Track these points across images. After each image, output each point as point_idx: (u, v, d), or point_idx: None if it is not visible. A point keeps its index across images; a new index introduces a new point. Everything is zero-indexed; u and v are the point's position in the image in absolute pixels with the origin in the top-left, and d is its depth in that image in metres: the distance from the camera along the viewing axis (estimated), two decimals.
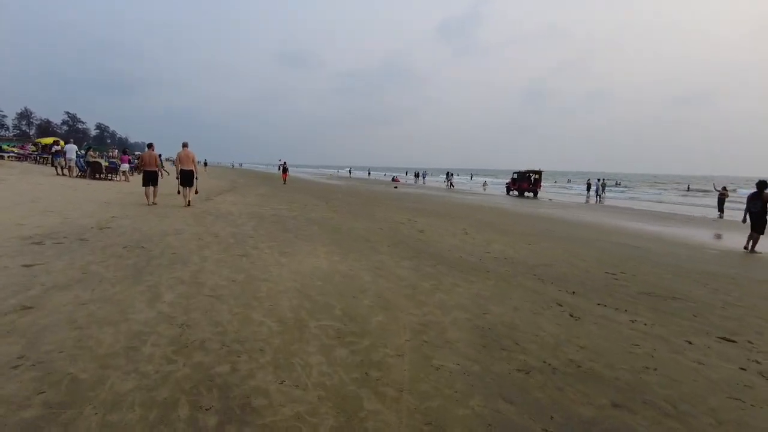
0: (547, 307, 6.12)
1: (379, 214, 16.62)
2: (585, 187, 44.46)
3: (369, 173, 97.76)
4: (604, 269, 8.90)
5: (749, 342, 5.28)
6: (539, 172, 42.10)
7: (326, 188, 35.83)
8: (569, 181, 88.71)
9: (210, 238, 9.63)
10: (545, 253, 10.36)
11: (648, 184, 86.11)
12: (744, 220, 13.93)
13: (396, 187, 45.13)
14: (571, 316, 5.83)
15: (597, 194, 35.71)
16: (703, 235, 16.51)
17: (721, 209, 26.79)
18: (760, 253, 12.68)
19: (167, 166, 49.25)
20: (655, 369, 4.43)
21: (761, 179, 13.23)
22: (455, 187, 53.65)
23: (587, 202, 37.09)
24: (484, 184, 61.22)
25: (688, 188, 65.68)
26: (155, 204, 15.26)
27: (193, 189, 15.58)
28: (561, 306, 6.23)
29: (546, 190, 58.52)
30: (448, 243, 10.90)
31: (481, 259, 9.12)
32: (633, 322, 5.73)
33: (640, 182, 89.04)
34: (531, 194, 40.93)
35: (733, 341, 5.28)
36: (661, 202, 43.12)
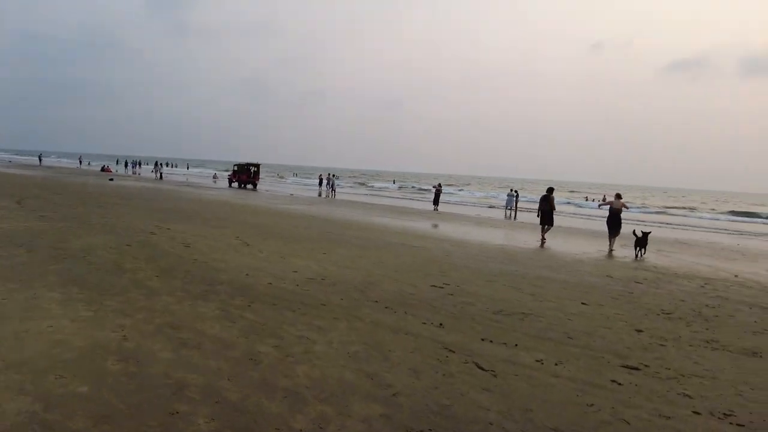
0: (444, 359, 4.64)
1: (114, 220, 12.36)
2: (317, 181, 45.54)
3: (81, 161, 77.67)
4: (427, 282, 8.03)
5: (646, 365, 4.94)
6: (257, 165, 42.80)
7: (6, 180, 26.42)
8: (295, 174, 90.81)
9: None
10: (355, 266, 8.96)
11: (360, 179, 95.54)
12: (538, 215, 16.51)
13: (111, 179, 37.15)
14: (481, 368, 4.49)
15: (332, 188, 36.87)
16: (455, 231, 18.02)
17: (436, 203, 30.74)
18: (549, 248, 14.27)
19: None
20: None
21: (550, 186, 16.52)
22: (165, 178, 47.59)
23: (320, 195, 38.01)
24: (214, 176, 57.34)
25: (394, 182, 75.53)
26: None
27: None
28: (453, 352, 4.84)
29: (272, 183, 58.40)
30: (237, 262, 8.36)
31: (299, 285, 7.06)
32: (541, 363, 4.77)
33: (349, 176, 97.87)
34: (251, 186, 41.19)
35: (636, 368, 4.85)
36: (378, 195, 47.80)
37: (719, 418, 3.92)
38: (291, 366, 4.14)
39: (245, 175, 41.91)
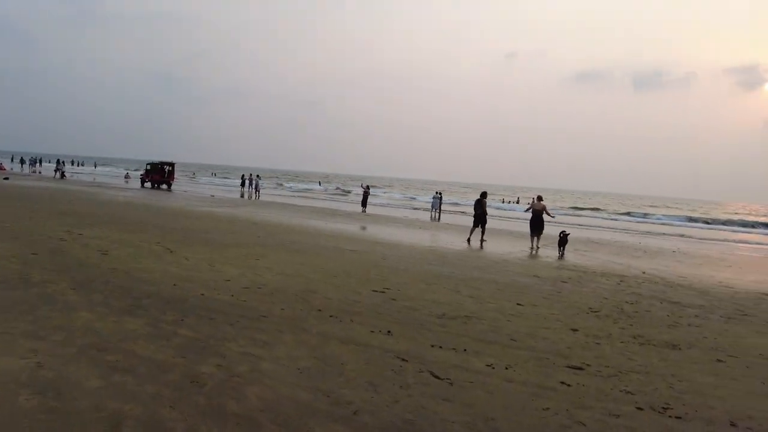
0: (398, 370, 4.52)
1: (13, 225, 11.01)
2: (240, 182, 43.71)
3: None
4: (368, 287, 7.89)
5: (588, 364, 5.14)
6: (172, 164, 41.35)
7: None
8: (213, 174, 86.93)
9: None
10: (292, 272, 8.62)
11: (282, 179, 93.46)
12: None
13: (7, 179, 33.30)
14: (437, 377, 4.42)
15: (256, 189, 35.65)
16: (386, 233, 18.03)
17: (364, 205, 30.73)
18: (477, 249, 14.50)
19: None
20: None
21: (484, 191, 18.27)
22: (69, 178, 43.85)
23: (243, 197, 36.71)
24: (126, 176, 53.71)
25: (320, 183, 74.69)
26: None
27: None
28: (406, 361, 4.74)
29: (188, 184, 55.73)
30: (162, 271, 7.73)
31: (234, 295, 6.63)
32: (492, 367, 4.80)
33: (270, 177, 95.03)
34: (165, 186, 39.59)
35: (580, 368, 5.02)
36: (304, 197, 47.08)
37: (659, 412, 4.13)
38: (239, 387, 3.82)
39: (159, 174, 40.27)
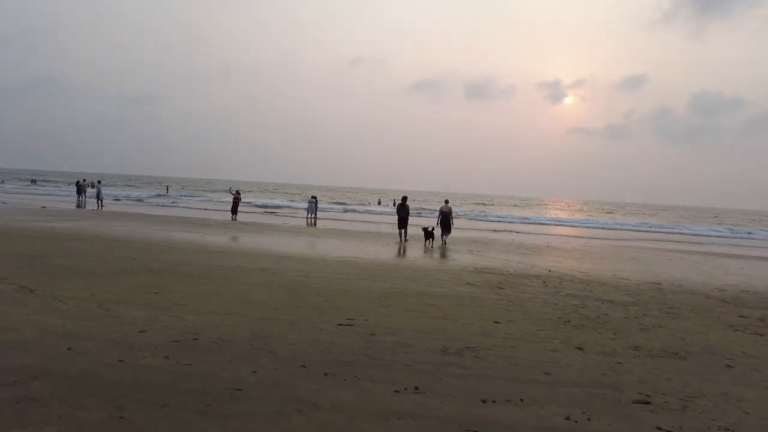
0: None
1: None
2: (75, 189, 36.21)
3: None
4: (327, 320, 6.37)
5: (646, 396, 4.42)
6: None
7: None
8: (34, 182, 72.58)
9: None
10: (218, 309, 6.64)
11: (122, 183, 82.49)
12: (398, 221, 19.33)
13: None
14: None
15: (98, 198, 29.95)
16: (281, 244, 16.06)
17: (234, 212, 27.84)
18: (389, 257, 13.23)
19: None
20: None
21: (404, 195, 20.24)
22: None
23: (79, 207, 30.93)
24: None
25: (167, 189, 67.01)
26: None
27: None
28: None
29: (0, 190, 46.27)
30: (35, 325, 5.24)
31: (169, 356, 4.61)
32: (575, 422, 3.78)
33: (110, 180, 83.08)
34: None
35: (646, 402, 4.28)
36: (151, 204, 41.76)
37: None
38: None
39: None
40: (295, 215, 34.96)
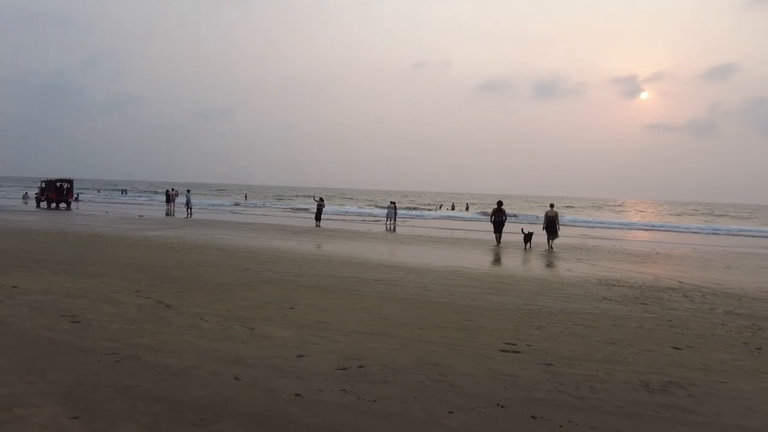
0: None
1: None
2: (165, 198, 38.16)
3: None
4: (485, 343, 5.70)
5: None
6: (70, 181, 37.63)
7: None
8: (124, 192, 78.05)
9: None
10: (361, 326, 6.15)
11: (210, 193, 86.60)
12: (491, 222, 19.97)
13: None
14: None
15: (188, 206, 31.30)
16: (375, 251, 15.68)
17: (318, 218, 28.02)
18: (505, 266, 12.52)
19: None
20: None
21: (500, 200, 21.12)
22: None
23: (168, 214, 32.47)
24: (25, 195, 47.15)
25: (246, 197, 69.59)
26: None
27: None
28: None
29: (92, 200, 49.86)
30: (187, 347, 4.96)
31: (346, 390, 4.12)
32: None
33: (200, 191, 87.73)
34: (64, 205, 36.10)
35: None
36: (237, 212, 43.22)
37: None
38: None
39: (55, 193, 36.23)
40: (376, 221, 34.78)
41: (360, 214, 44.17)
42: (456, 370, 4.70)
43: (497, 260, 15.11)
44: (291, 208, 49.73)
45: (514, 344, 5.72)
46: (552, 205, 19.88)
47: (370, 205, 59.58)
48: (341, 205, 58.99)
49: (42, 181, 37.58)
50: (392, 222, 29.75)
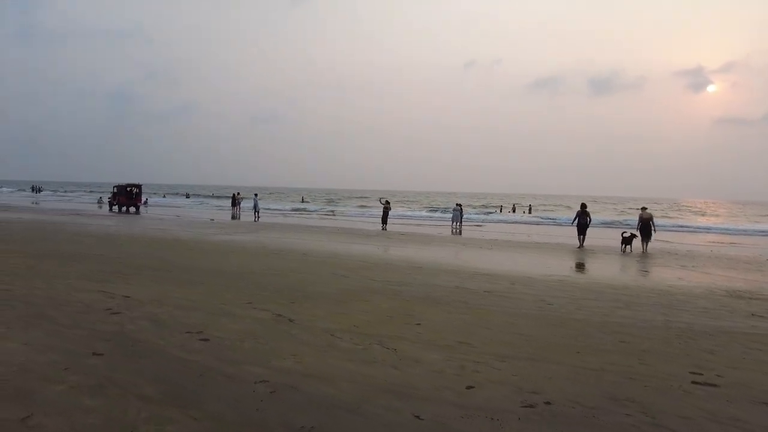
0: None
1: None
2: (230, 202, 38.97)
3: None
4: (666, 373, 4.86)
5: None
6: (139, 186, 39.23)
7: None
8: (188, 196, 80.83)
9: None
10: (506, 349, 5.46)
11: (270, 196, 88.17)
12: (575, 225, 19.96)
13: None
14: None
15: (255, 210, 31.68)
16: (459, 258, 14.96)
17: (384, 222, 27.53)
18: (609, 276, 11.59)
19: None
20: None
21: (583, 202, 20.85)
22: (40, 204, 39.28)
23: (234, 218, 33.12)
24: (100, 200, 50.27)
25: (302, 199, 70.25)
26: None
27: None
28: None
29: (164, 204, 51.99)
30: (343, 374, 4.45)
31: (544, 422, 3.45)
32: None
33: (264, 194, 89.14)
34: (134, 209, 37.55)
35: None
36: (299, 215, 43.55)
37: None
38: None
39: (125, 197, 37.91)
40: (439, 224, 34.01)
41: (419, 218, 43.37)
42: (660, 409, 3.93)
43: (596, 267, 14.02)
44: (356, 211, 49.58)
45: (701, 374, 4.86)
46: (644, 208, 19.95)
47: (422, 208, 58.75)
48: (403, 207, 58.40)
49: (114, 186, 39.35)
50: (458, 224, 28.90)
